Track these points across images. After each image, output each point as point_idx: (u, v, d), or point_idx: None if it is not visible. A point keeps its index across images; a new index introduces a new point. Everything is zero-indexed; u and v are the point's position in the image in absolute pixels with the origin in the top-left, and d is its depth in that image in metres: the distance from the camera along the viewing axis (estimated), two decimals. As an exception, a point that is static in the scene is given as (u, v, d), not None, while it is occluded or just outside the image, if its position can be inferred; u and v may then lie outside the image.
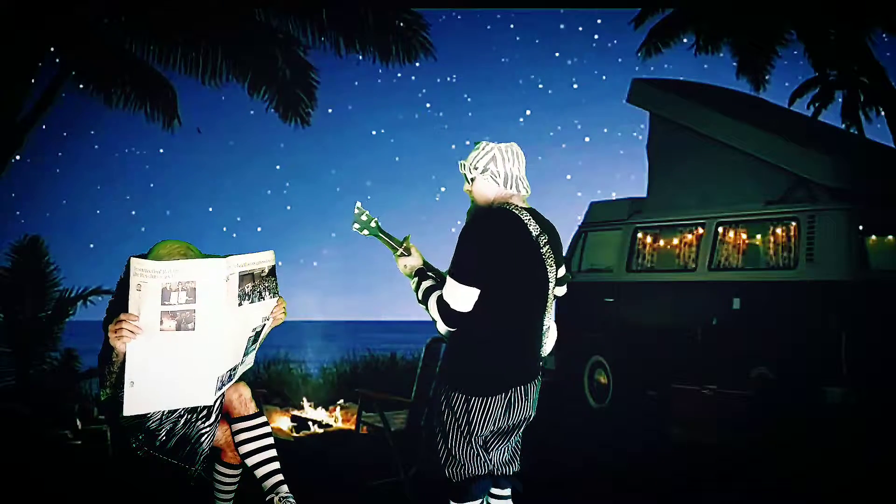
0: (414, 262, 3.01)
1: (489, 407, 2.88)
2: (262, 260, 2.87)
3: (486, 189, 2.98)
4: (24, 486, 4.84)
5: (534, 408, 3.01)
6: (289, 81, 8.37)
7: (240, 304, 2.81)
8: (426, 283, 2.95)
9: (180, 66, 8.09)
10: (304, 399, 7.72)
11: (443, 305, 2.84)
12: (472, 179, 3.01)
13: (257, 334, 3.03)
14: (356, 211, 3.06)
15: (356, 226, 3.06)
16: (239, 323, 2.87)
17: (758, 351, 6.79)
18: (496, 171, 2.96)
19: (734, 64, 11.90)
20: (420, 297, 2.96)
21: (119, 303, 2.83)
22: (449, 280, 2.83)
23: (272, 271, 2.92)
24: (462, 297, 2.80)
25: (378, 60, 8.05)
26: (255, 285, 2.85)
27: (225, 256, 2.80)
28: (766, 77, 11.79)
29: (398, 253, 3.04)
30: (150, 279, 2.66)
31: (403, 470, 4.75)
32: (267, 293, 2.91)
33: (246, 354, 3.05)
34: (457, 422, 2.91)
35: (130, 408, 2.76)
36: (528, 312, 2.97)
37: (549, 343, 3.11)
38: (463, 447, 2.94)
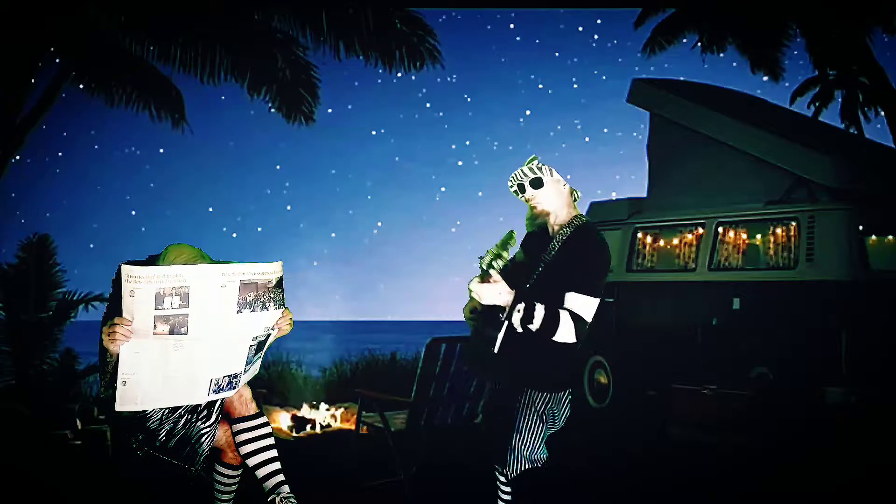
0: (507, 287, 2.88)
1: (569, 398, 3.14)
2: (267, 271, 2.85)
3: (558, 194, 3.08)
4: (24, 486, 4.84)
5: None
6: (290, 81, 8.37)
7: (239, 312, 2.81)
8: (542, 305, 2.87)
9: (179, 66, 8.09)
10: (304, 399, 7.72)
11: (578, 321, 2.90)
12: (546, 183, 3.05)
13: (260, 343, 3.03)
14: (511, 239, 3.00)
15: (496, 251, 2.96)
16: (237, 330, 2.87)
17: (758, 351, 6.79)
18: (564, 179, 3.11)
19: (735, 63, 11.94)
20: (537, 320, 2.86)
21: (115, 305, 2.84)
22: (580, 296, 2.90)
23: (279, 283, 2.91)
24: (593, 308, 2.93)
25: (382, 65, 8.02)
26: (259, 295, 2.84)
27: (230, 263, 2.81)
28: (783, 66, 11.85)
29: (490, 279, 2.89)
30: (143, 285, 2.66)
31: (403, 470, 4.75)
32: (272, 304, 2.90)
33: (249, 363, 3.05)
34: (542, 420, 3.05)
35: (122, 405, 2.83)
36: None
37: None
38: (541, 441, 3.10)
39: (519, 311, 2.85)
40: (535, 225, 3.15)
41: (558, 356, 3.01)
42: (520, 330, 2.89)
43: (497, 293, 2.86)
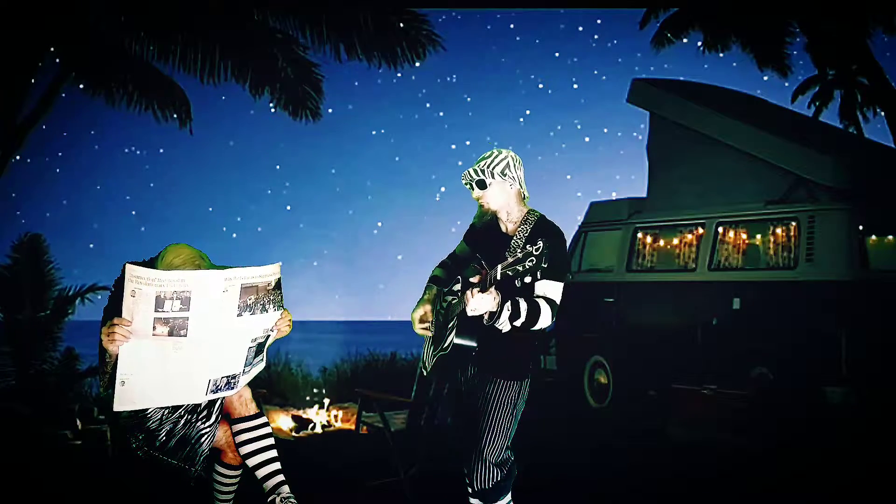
0: (495, 292, 2.93)
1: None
2: (267, 273, 2.85)
3: (505, 194, 3.19)
4: (24, 486, 4.84)
5: None
6: (292, 79, 8.38)
7: (239, 315, 2.81)
8: (524, 302, 2.99)
9: (179, 66, 8.09)
10: (305, 399, 7.72)
11: (554, 307, 3.05)
12: (489, 185, 3.17)
13: (260, 345, 3.03)
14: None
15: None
16: (236, 332, 2.87)
17: (758, 351, 6.78)
18: (513, 176, 3.19)
19: (736, 63, 11.97)
20: (523, 314, 2.98)
21: (115, 305, 2.85)
22: (552, 283, 3.05)
23: (278, 284, 2.91)
24: (561, 291, 3.09)
25: (384, 64, 8.03)
26: (259, 298, 2.85)
27: (232, 268, 2.81)
28: (789, 63, 11.86)
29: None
30: (144, 286, 2.67)
31: (403, 470, 4.75)
32: (271, 306, 2.90)
33: (249, 364, 3.05)
34: (513, 414, 3.13)
35: (120, 405, 2.85)
36: None
37: None
38: (510, 439, 3.15)
39: (508, 310, 2.96)
40: (483, 222, 3.25)
41: (529, 345, 3.18)
42: (507, 328, 3.00)
43: (492, 300, 2.94)
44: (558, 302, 3.07)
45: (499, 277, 2.88)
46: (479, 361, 3.17)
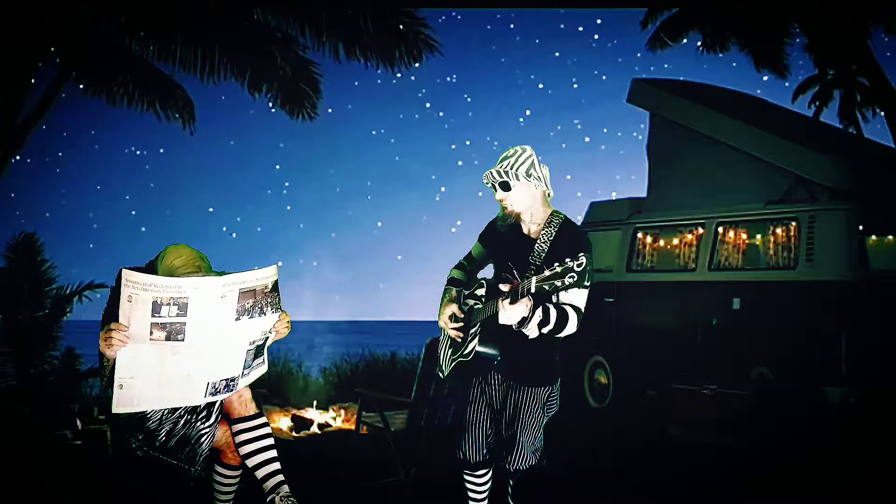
0: (526, 301, 2.83)
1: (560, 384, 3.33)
2: (264, 276, 2.85)
3: (529, 196, 3.07)
4: (24, 486, 4.84)
5: None
6: (290, 78, 8.38)
7: (237, 319, 2.81)
8: (553, 309, 2.94)
9: (179, 65, 8.10)
10: (305, 399, 7.72)
11: (580, 315, 3.01)
12: (513, 186, 3.04)
13: (259, 348, 3.03)
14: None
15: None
16: (234, 336, 2.87)
17: (758, 351, 6.78)
18: (538, 176, 3.07)
19: (735, 63, 11.97)
20: (552, 321, 2.94)
21: (113, 309, 2.85)
22: (579, 290, 2.96)
23: (275, 287, 2.91)
24: (586, 297, 3.04)
25: (382, 65, 8.05)
26: (256, 301, 2.84)
27: (230, 273, 2.81)
28: (786, 64, 11.86)
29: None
30: (141, 292, 2.67)
31: (403, 470, 4.75)
32: (269, 308, 2.90)
33: (248, 367, 3.05)
34: (543, 413, 3.24)
35: (119, 407, 2.87)
36: None
37: None
38: (542, 431, 3.27)
39: (538, 316, 2.89)
40: (506, 225, 3.14)
41: (553, 349, 3.16)
42: (535, 334, 2.93)
43: (524, 307, 2.85)
44: (583, 308, 3.02)
45: (533, 290, 2.75)
46: (503, 370, 3.15)
